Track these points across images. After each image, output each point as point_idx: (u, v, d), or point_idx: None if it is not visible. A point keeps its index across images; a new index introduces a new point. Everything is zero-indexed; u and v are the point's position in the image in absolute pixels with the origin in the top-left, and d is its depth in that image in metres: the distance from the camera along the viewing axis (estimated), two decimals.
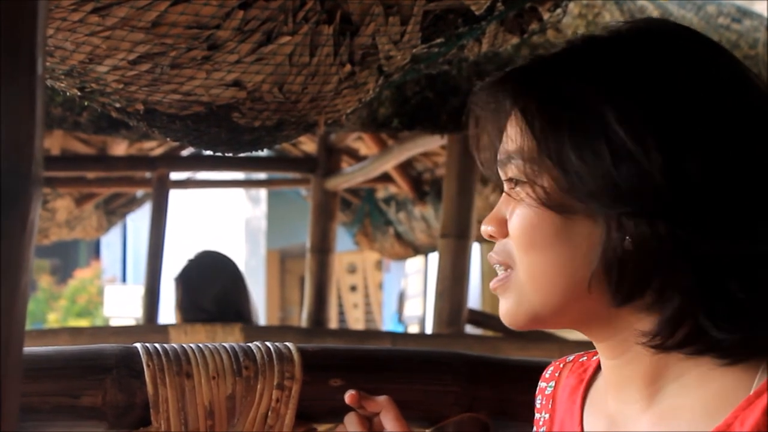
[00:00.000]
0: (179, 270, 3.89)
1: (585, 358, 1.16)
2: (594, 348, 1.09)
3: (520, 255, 1.03)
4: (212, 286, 3.77)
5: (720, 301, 0.96)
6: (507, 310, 1.05)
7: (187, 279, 3.83)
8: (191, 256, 3.98)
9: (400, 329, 11.31)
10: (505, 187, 1.05)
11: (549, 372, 1.19)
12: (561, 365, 1.18)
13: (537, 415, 1.18)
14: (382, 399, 1.32)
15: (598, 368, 1.11)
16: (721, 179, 0.96)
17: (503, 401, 1.38)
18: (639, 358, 1.01)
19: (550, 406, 1.16)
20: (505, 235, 1.05)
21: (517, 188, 1.03)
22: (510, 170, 1.04)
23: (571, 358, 1.17)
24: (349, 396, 1.31)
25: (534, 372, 1.41)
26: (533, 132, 1.01)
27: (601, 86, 0.99)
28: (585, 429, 1.09)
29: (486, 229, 1.06)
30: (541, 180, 1.00)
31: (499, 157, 1.06)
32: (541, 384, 1.19)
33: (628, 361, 1.02)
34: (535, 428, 1.19)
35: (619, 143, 0.96)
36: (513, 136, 1.03)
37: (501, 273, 1.06)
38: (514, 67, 1.07)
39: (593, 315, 1.02)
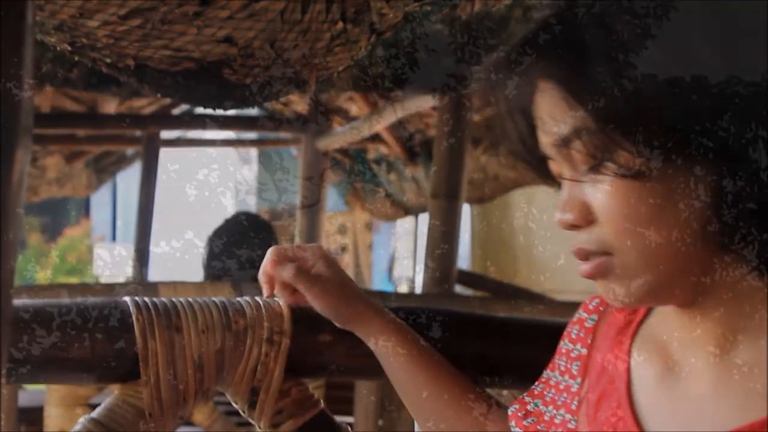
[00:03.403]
0: (212, 230, 3.83)
1: None
2: None
3: (622, 239, 0.95)
4: (238, 252, 3.71)
5: None
6: (617, 295, 0.98)
7: (214, 243, 3.76)
8: (228, 216, 3.91)
9: (390, 289, 11.35)
10: (566, 171, 0.99)
11: (593, 304, 1.13)
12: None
13: (569, 346, 1.12)
14: (313, 246, 1.31)
15: (648, 311, 1.06)
16: None
17: (488, 358, 1.38)
18: (725, 309, 0.96)
19: (588, 341, 1.10)
20: (591, 222, 0.97)
21: (590, 169, 0.95)
22: (574, 152, 0.96)
23: None
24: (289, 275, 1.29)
25: (521, 329, 1.41)
26: (586, 108, 0.93)
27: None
28: (632, 368, 1.04)
29: (566, 218, 0.98)
30: (617, 153, 0.93)
31: (549, 141, 0.99)
32: (582, 314, 1.13)
33: (709, 313, 0.97)
34: (563, 360, 1.13)
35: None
36: (557, 114, 0.96)
37: (594, 259, 0.97)
38: (527, 37, 0.98)
39: (699, 271, 0.95)
